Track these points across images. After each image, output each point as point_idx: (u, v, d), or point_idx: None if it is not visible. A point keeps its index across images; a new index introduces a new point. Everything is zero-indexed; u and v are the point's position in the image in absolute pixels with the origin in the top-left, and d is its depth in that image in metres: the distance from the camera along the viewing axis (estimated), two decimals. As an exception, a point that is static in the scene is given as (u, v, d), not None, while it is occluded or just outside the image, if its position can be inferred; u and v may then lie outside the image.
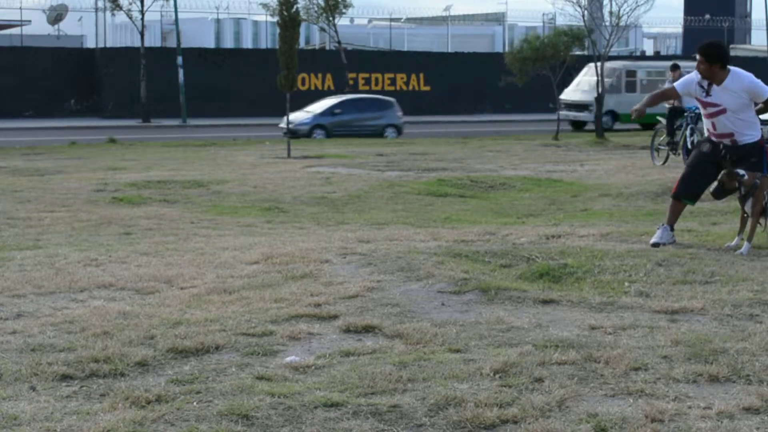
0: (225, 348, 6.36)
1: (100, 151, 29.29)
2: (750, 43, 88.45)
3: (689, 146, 21.64)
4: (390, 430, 4.97)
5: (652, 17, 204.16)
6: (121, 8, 50.49)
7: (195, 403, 5.28)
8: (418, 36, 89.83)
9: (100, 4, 57.64)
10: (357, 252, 9.48)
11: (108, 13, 57.76)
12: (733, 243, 9.78)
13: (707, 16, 79.74)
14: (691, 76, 10.17)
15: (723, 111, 9.92)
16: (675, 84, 10.38)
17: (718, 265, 8.80)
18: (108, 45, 63.99)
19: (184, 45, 53.12)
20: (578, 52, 47.00)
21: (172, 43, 62.04)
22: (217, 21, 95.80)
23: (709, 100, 9.96)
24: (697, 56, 9.94)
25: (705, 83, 9.96)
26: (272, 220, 13.61)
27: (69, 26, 75.05)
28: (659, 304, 7.46)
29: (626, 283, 8.20)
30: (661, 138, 22.91)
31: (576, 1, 41.99)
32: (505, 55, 42.17)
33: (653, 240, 9.92)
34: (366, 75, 60.08)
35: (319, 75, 58.48)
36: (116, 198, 15.86)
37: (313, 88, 58.03)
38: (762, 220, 9.89)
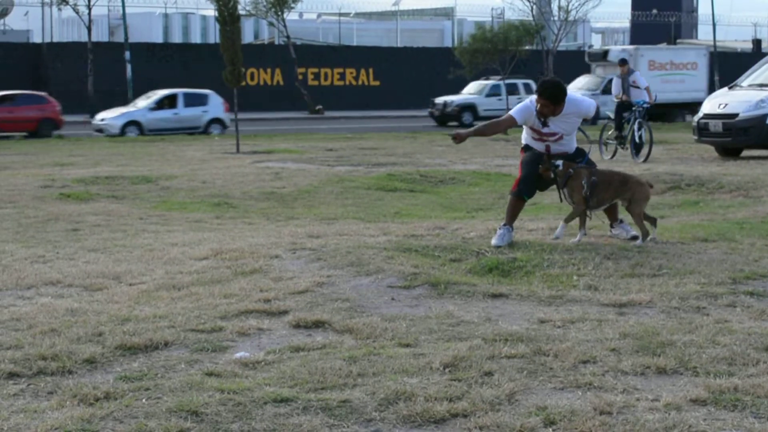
0: (174, 344, 6.32)
1: (47, 147, 29.02)
2: (697, 37, 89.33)
3: (637, 140, 21.83)
4: (340, 425, 4.97)
5: (600, 12, 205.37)
6: (67, 3, 50.10)
7: (144, 400, 5.25)
8: (367, 31, 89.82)
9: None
10: (307, 247, 9.46)
11: (55, 8, 57.30)
12: (577, 239, 9.56)
13: (654, 11, 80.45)
14: (528, 105, 9.88)
15: (560, 138, 9.90)
16: (513, 114, 9.95)
17: (666, 258, 8.87)
18: (55, 40, 63.49)
19: (131, 40, 52.71)
20: (528, 47, 47.23)
21: (119, 37, 61.65)
22: (165, 16, 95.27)
23: (547, 130, 9.86)
24: (539, 99, 9.69)
25: (543, 118, 9.80)
26: (221, 215, 13.56)
27: (15, 21, 74.26)
28: (607, 298, 7.51)
29: (575, 277, 8.25)
30: (609, 132, 23.07)
31: (525, -4, 42.25)
32: (455, 48, 42.29)
33: (495, 242, 9.59)
34: (315, 70, 60.01)
35: (268, 70, 58.34)
36: (63, 194, 15.72)
37: (262, 83, 57.89)
38: (589, 212, 9.81)
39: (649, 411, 5.06)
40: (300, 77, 54.54)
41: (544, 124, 9.84)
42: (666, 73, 46.15)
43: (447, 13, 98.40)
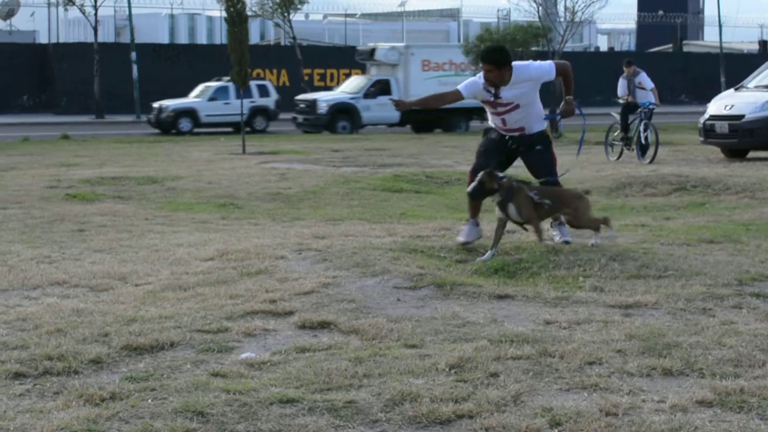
0: (180, 345, 6.33)
1: (53, 148, 29.03)
2: (703, 39, 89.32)
3: (643, 141, 21.80)
4: (346, 426, 4.97)
5: (606, 13, 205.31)
6: (73, 3, 50.11)
7: (150, 401, 5.26)
8: (373, 32, 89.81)
9: (53, 0, 57.20)
10: (312, 248, 9.47)
11: (61, 9, 57.33)
12: (486, 256, 9.10)
13: (660, 13, 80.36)
14: (475, 79, 9.80)
15: (515, 107, 9.70)
16: (459, 87, 9.84)
17: (672, 259, 8.86)
18: (61, 40, 63.57)
19: (137, 40, 52.80)
20: (534, 48, 47.20)
21: (125, 38, 61.74)
22: (171, 16, 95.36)
23: (500, 101, 9.69)
24: (483, 65, 9.59)
25: (492, 88, 9.66)
26: (227, 216, 13.55)
27: (21, 22, 74.36)
28: (613, 299, 7.51)
29: (581, 278, 8.24)
30: (615, 133, 23.04)
31: (531, -3, 42.26)
32: (462, 48, 42.24)
33: (461, 239, 9.66)
34: (321, 71, 59.98)
35: (274, 71, 58.33)
36: (69, 195, 15.72)
37: (268, 83, 57.76)
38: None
39: (655, 412, 5.06)
40: (306, 78, 54.53)
41: (496, 96, 9.66)
42: (444, 75, 40.79)
43: (453, 14, 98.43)
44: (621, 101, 23.00)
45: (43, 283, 8.22)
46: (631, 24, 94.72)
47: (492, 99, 9.70)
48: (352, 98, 39.40)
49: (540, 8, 44.29)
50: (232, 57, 26.66)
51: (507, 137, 9.97)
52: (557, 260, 8.82)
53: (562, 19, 44.87)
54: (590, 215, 9.63)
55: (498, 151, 10.03)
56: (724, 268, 8.50)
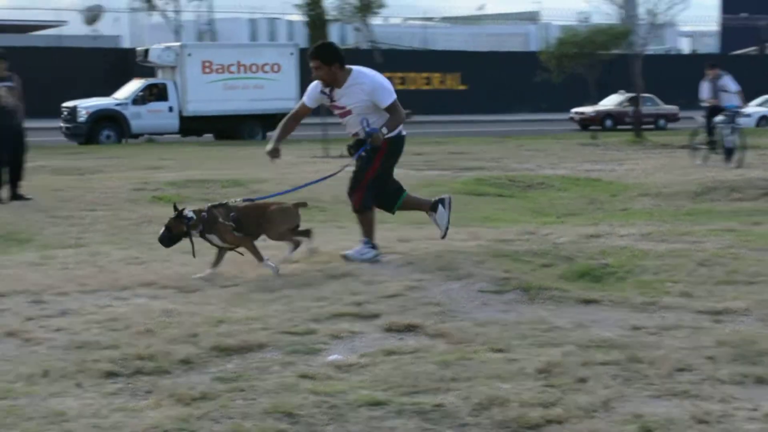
0: (268, 346, 6.38)
1: (138, 151, 29.45)
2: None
3: (729, 145, 21.51)
4: (434, 430, 4.97)
5: (688, 15, 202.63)
6: (155, 9, 50.77)
7: (239, 401, 5.30)
8: (451, 35, 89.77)
9: (136, 5, 57.98)
10: (397, 251, 9.49)
11: (144, 14, 58.10)
12: (205, 273, 8.69)
13: (744, 15, 79.21)
14: (313, 83, 9.41)
15: (349, 112, 9.30)
16: (304, 99, 9.47)
17: (761, 265, 8.72)
18: (144, 45, 64.27)
19: (219, 45, 53.23)
20: (614, 51, 46.80)
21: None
22: (252, 21, 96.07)
23: (335, 103, 9.32)
24: (311, 63, 9.22)
25: (327, 89, 9.25)
26: (312, 219, 13.62)
27: (106, 27, 75.50)
28: (702, 305, 7.41)
29: (668, 283, 8.15)
30: (700, 137, 22.78)
31: (612, -1, 41.88)
32: (541, 53, 41.96)
33: (349, 253, 9.22)
34: (401, 74, 60.11)
35: (355, 74, 58.42)
36: (156, 197, 15.94)
37: (348, 87, 57.98)
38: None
39: (748, 420, 4.99)
40: (386, 82, 54.63)
41: (331, 98, 9.30)
42: (231, 78, 38.07)
43: (532, 17, 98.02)
44: (705, 104, 22.73)
45: (132, 284, 8.32)
46: (713, 26, 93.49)
47: (328, 102, 9.37)
48: (118, 104, 36.63)
49: (620, 10, 43.89)
50: (313, 61, 26.83)
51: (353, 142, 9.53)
52: (644, 265, 8.74)
53: (642, 22, 44.39)
54: (283, 229, 9.13)
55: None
56: (815, 275, 8.35)
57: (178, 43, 40.47)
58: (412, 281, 8.12)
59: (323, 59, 9.14)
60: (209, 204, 9.12)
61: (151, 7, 51.96)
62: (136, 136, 36.58)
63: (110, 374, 5.81)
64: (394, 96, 9.25)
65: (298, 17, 62.07)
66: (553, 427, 4.98)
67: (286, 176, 19.38)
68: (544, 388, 5.49)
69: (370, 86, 9.18)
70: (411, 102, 58.09)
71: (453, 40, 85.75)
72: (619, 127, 45.20)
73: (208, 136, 38.48)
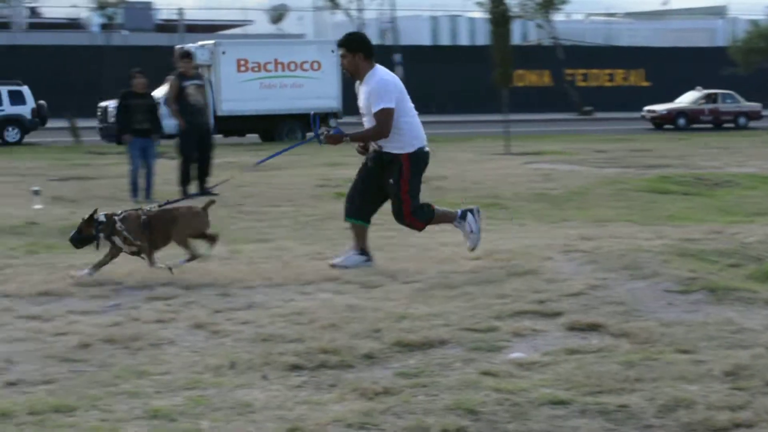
0: (449, 343, 6.39)
1: (314, 149, 29.80)
2: None
3: None
4: (618, 430, 4.90)
5: None
6: (339, 7, 51.51)
7: (421, 397, 5.33)
8: (635, 31, 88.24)
9: (320, 4, 58.96)
10: (580, 249, 9.38)
11: (328, 12, 59.03)
12: (84, 272, 8.55)
13: None
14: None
15: (363, 114, 8.85)
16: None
17: None
18: (328, 43, 65.26)
19: (400, 42, 53.71)
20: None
21: (389, 40, 62.83)
22: (433, 18, 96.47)
23: (359, 100, 8.91)
24: (339, 51, 8.88)
25: (357, 84, 8.88)
26: (493, 216, 13.60)
27: (290, 25, 76.96)
28: None
29: None
30: None
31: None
32: (729, 47, 40.93)
33: (336, 261, 9.01)
34: (583, 71, 59.54)
35: (536, 71, 58.17)
36: (338, 193, 16.15)
37: (530, 84, 57.79)
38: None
39: None
40: (568, 78, 54.14)
41: (358, 95, 8.91)
42: (268, 76, 36.46)
43: (719, 11, 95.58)
44: None
45: (316, 279, 8.45)
46: None
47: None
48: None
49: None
50: (496, 58, 26.83)
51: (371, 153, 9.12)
52: (838, 266, 8.42)
53: (839, 14, 42.81)
54: (188, 233, 8.85)
55: (372, 177, 9.17)
56: None
57: (213, 42, 38.34)
58: (595, 279, 8.02)
59: (348, 47, 8.81)
60: (124, 210, 9.05)
61: (334, 5, 52.78)
62: (170, 137, 36.80)
63: (295, 367, 5.92)
64: (386, 105, 8.73)
65: (479, 14, 62.09)
66: (741, 430, 4.86)
67: (466, 173, 19.42)
68: (732, 390, 5.35)
69: (370, 88, 8.83)
70: (593, 99, 57.57)
71: (637, 36, 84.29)
72: (694, 126, 43.78)
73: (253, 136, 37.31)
